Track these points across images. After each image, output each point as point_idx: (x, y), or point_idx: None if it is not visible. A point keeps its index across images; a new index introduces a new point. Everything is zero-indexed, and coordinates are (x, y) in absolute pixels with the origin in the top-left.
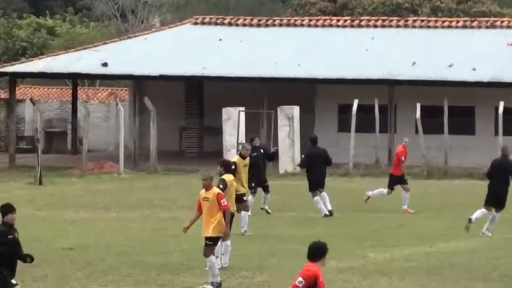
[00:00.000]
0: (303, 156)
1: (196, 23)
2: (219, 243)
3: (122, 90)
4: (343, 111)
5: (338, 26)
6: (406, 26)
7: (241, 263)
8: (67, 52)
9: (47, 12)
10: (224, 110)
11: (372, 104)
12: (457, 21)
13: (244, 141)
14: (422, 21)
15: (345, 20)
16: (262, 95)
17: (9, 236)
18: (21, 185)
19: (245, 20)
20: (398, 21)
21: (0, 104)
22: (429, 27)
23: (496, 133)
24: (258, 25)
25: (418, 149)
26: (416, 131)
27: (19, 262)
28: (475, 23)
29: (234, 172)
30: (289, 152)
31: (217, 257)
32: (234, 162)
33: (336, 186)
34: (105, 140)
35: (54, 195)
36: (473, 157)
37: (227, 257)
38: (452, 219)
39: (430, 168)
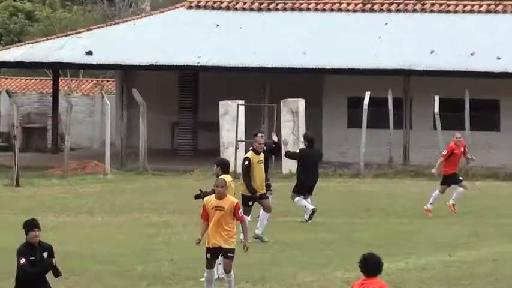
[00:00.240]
0: (297, 151)
1: (190, 7)
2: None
3: (108, 81)
4: (353, 104)
5: (348, 10)
6: (423, 10)
7: (241, 273)
8: (47, 39)
9: None
10: (221, 103)
11: (385, 96)
12: (480, 5)
13: (243, 138)
14: (441, 5)
15: (356, 4)
16: (263, 86)
17: (31, 258)
18: None
19: (245, 3)
20: (414, 4)
21: None
22: (449, 11)
23: None
24: (259, 9)
25: (436, 147)
26: (434, 127)
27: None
28: (499, 7)
29: (248, 169)
30: (293, 150)
31: (219, 263)
32: (247, 157)
33: (345, 187)
34: (89, 136)
35: (32, 198)
36: (497, 155)
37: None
38: (474, 225)
39: None
